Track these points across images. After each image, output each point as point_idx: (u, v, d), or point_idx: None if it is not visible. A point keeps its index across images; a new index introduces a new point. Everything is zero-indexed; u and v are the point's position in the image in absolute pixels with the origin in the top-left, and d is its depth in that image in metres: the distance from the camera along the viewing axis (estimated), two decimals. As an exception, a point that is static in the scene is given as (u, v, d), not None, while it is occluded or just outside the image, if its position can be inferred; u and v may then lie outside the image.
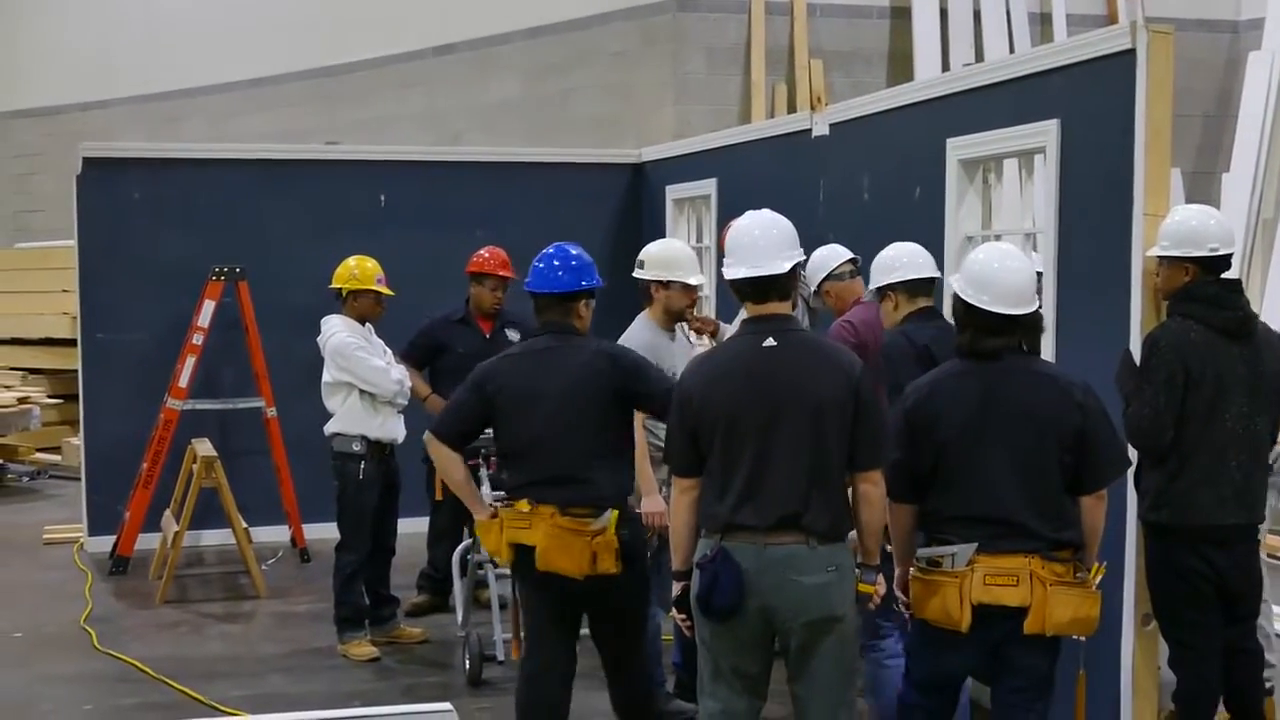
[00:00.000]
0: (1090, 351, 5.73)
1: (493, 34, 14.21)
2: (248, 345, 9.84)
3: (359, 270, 7.51)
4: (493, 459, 7.10)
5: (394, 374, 7.49)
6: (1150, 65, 5.42)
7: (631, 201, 11.05)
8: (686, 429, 4.64)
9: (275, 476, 9.84)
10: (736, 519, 4.50)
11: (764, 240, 4.62)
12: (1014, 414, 4.61)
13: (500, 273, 8.24)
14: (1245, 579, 5.41)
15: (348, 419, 7.40)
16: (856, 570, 4.59)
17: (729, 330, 6.57)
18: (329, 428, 7.46)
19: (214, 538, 9.84)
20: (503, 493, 6.76)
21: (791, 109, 12.22)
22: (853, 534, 4.64)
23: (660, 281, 6.33)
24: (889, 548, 4.88)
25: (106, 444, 10.03)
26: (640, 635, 5.53)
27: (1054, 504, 4.60)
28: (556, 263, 5.40)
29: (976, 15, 12.79)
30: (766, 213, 4.76)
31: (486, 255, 8.29)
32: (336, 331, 7.43)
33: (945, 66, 12.34)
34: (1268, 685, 5.79)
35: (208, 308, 9.64)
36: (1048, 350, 5.80)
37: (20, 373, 14.15)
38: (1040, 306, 4.80)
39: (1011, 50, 12.45)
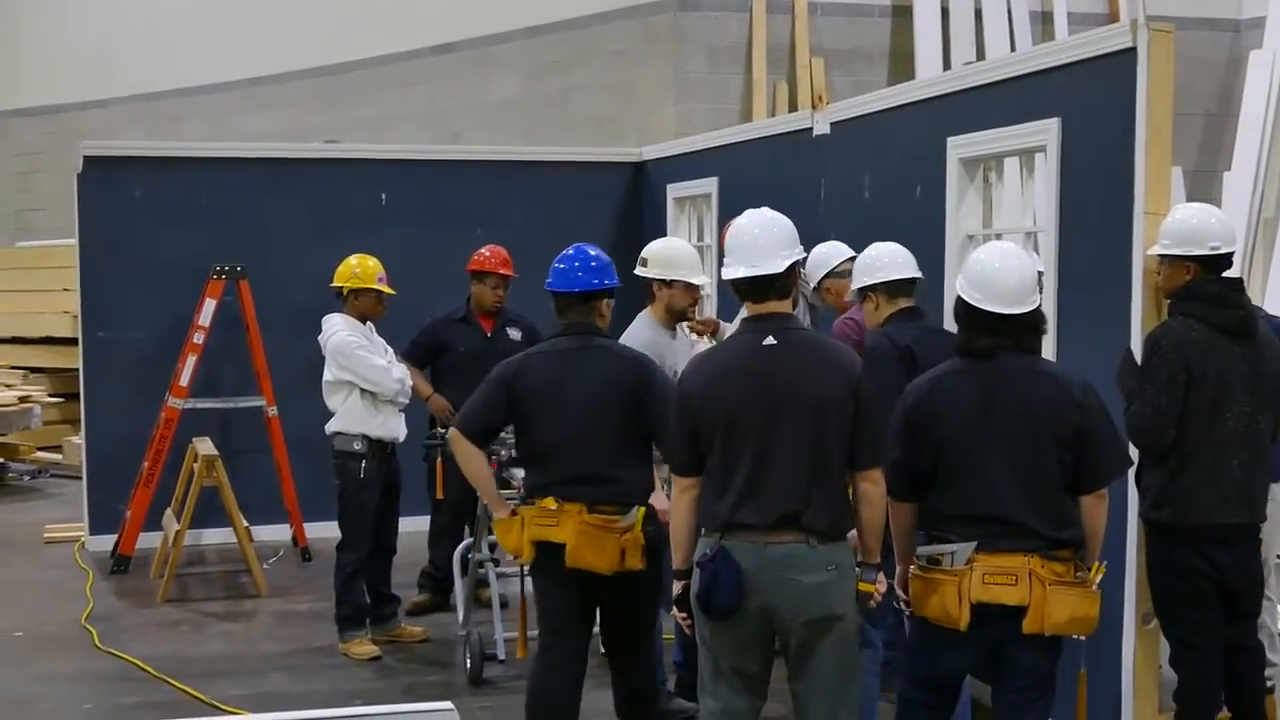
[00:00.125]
0: (1091, 350, 5.73)
1: (493, 33, 14.21)
2: (249, 344, 9.84)
3: (360, 269, 7.51)
4: (494, 460, 7.09)
5: (395, 373, 7.49)
6: (1151, 64, 5.42)
7: (632, 200, 11.05)
8: (687, 428, 4.64)
9: (276, 475, 9.84)
10: (736, 518, 4.50)
11: (763, 239, 4.62)
12: (1013, 413, 4.61)
13: (501, 271, 8.24)
14: (1246, 578, 5.40)
15: (349, 418, 7.40)
16: (857, 569, 4.60)
17: (729, 329, 6.57)
18: (330, 426, 7.46)
19: (215, 536, 9.84)
20: (512, 492, 6.81)
21: (793, 108, 12.21)
22: (853, 533, 4.64)
23: (663, 280, 6.33)
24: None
25: (107, 443, 10.03)
26: (652, 632, 5.55)
27: (1053, 503, 4.60)
28: (577, 263, 5.46)
29: (978, 14, 12.78)
30: (765, 211, 4.76)
31: (487, 254, 8.29)
32: (337, 330, 7.43)
33: (946, 65, 12.33)
34: (1269, 684, 5.80)
35: (209, 306, 9.64)
36: (1049, 349, 5.79)
37: (21, 371, 14.14)
38: (1040, 306, 4.80)
39: (1013, 49, 12.44)
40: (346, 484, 7.41)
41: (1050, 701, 4.73)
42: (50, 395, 13.83)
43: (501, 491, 6.94)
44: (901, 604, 4.90)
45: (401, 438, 7.56)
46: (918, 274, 5.87)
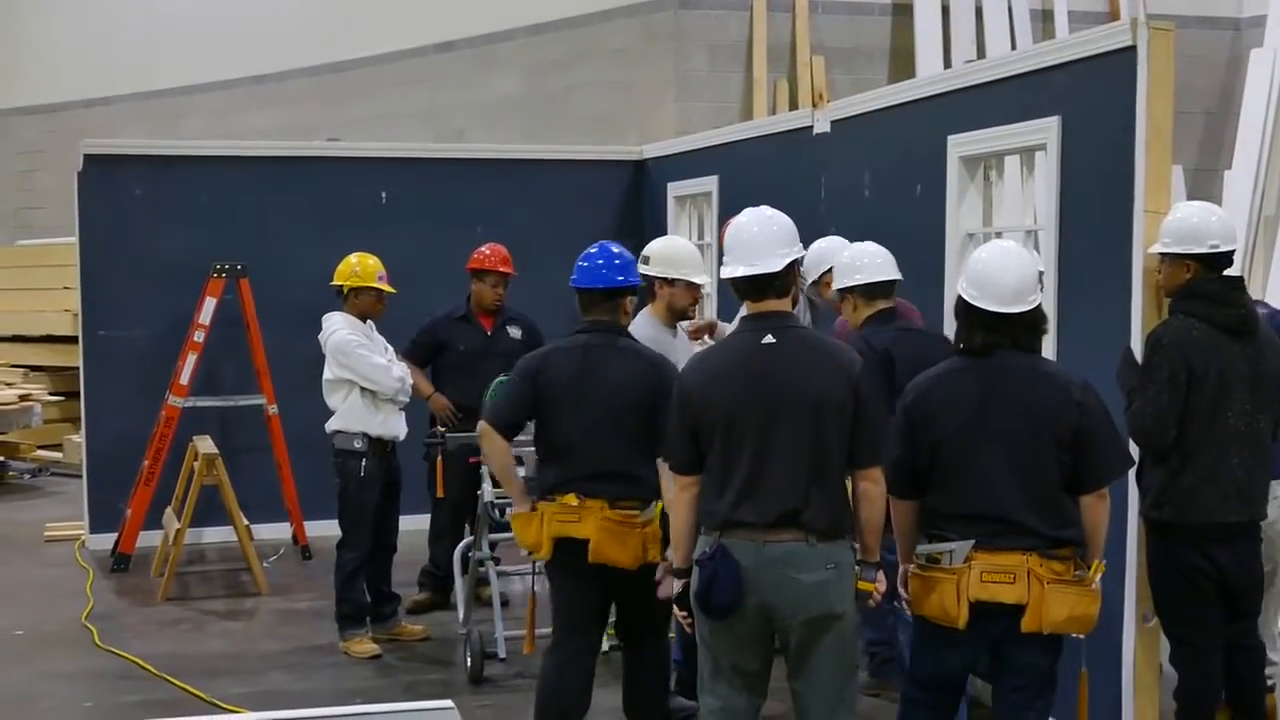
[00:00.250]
0: (1091, 348, 5.73)
1: (494, 31, 14.21)
2: (249, 342, 9.84)
3: (360, 267, 7.51)
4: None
5: (395, 371, 7.49)
6: (1151, 62, 5.42)
7: (633, 198, 11.05)
8: (686, 426, 4.64)
9: (276, 474, 9.83)
10: (736, 516, 4.51)
11: (761, 237, 4.63)
12: (1010, 412, 4.61)
13: (501, 269, 8.24)
14: (1247, 576, 5.41)
15: (349, 416, 7.40)
16: (856, 567, 4.59)
17: (728, 329, 6.57)
18: (330, 425, 7.46)
19: (215, 535, 9.84)
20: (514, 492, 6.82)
21: (793, 106, 12.21)
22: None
23: (664, 279, 6.33)
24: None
25: (108, 441, 10.03)
26: (666, 628, 5.57)
27: (1052, 502, 4.60)
28: (601, 260, 5.51)
29: (978, 12, 12.77)
30: (764, 209, 4.76)
31: (487, 252, 8.29)
32: (338, 329, 7.43)
33: (947, 63, 12.32)
34: (1269, 683, 5.79)
35: (209, 305, 9.64)
36: (1049, 347, 5.79)
37: (22, 370, 14.14)
38: (1041, 305, 4.80)
39: (1014, 47, 12.44)
40: (347, 482, 7.41)
41: (1051, 700, 4.73)
42: (51, 393, 13.83)
43: (496, 489, 6.99)
44: (903, 603, 4.91)
45: (402, 436, 7.56)
46: (896, 276, 5.87)
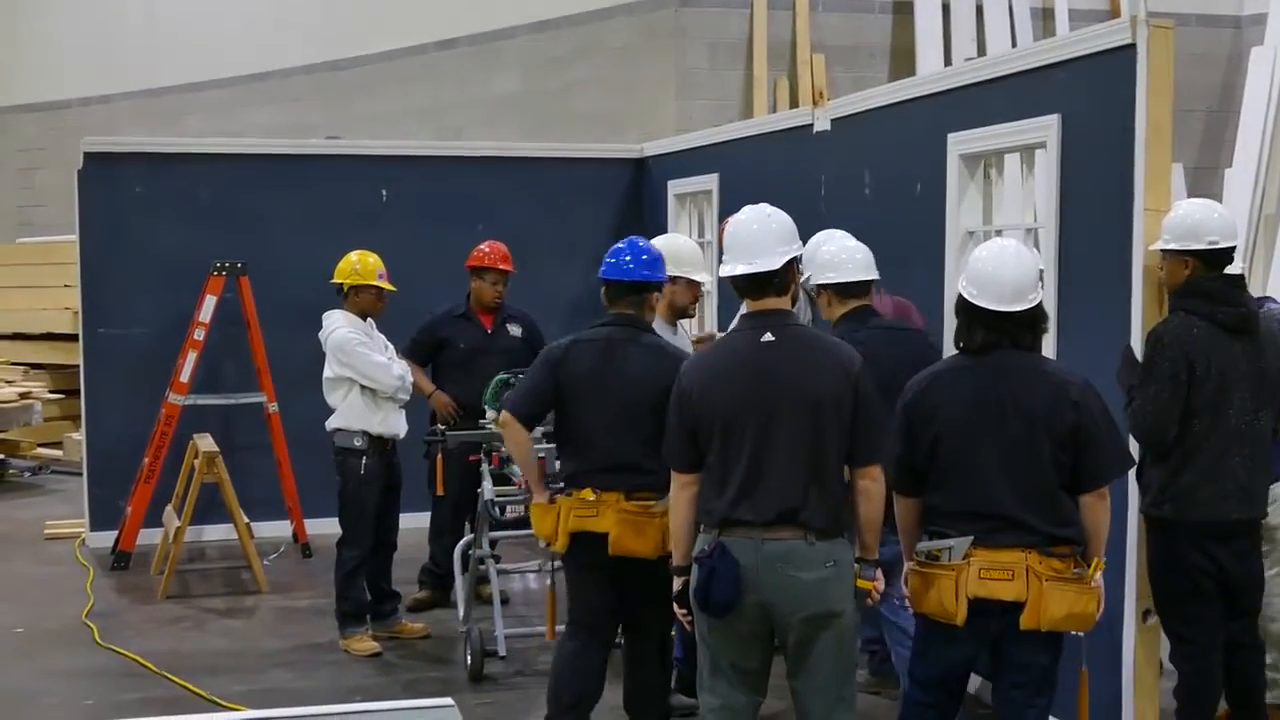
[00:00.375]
0: (1091, 346, 5.74)
1: (495, 29, 14.20)
2: (249, 340, 9.84)
3: (361, 265, 7.51)
4: (495, 455, 7.11)
5: (395, 369, 7.49)
6: (1151, 60, 5.42)
7: (633, 196, 11.04)
8: (685, 425, 4.65)
9: (277, 472, 9.84)
10: (735, 514, 4.51)
11: (760, 235, 4.63)
12: (1007, 410, 4.62)
13: (501, 266, 8.24)
14: (1247, 574, 5.41)
15: (349, 414, 7.40)
16: (856, 565, 4.60)
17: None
18: (330, 423, 7.47)
19: (216, 533, 9.84)
20: (513, 489, 6.84)
21: (793, 104, 12.20)
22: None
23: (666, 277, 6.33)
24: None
25: (108, 439, 10.03)
26: (671, 624, 5.58)
27: (1050, 500, 4.60)
28: (628, 255, 5.55)
29: (979, 10, 12.77)
30: (763, 207, 4.77)
31: (487, 250, 8.29)
32: (338, 327, 7.43)
33: (948, 62, 12.31)
34: (1270, 681, 5.80)
35: (209, 303, 9.64)
36: (1049, 345, 5.79)
37: (22, 368, 14.13)
38: (1041, 303, 4.79)
39: (1014, 45, 12.43)
40: (347, 480, 7.41)
41: (1051, 698, 4.73)
42: (51, 391, 13.83)
43: (502, 489, 7.00)
44: (904, 600, 4.91)
45: (402, 434, 7.56)
46: (872, 276, 5.84)
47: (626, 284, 5.51)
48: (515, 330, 8.29)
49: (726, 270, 4.66)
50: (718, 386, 4.59)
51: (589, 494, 5.40)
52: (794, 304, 4.87)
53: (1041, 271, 5.09)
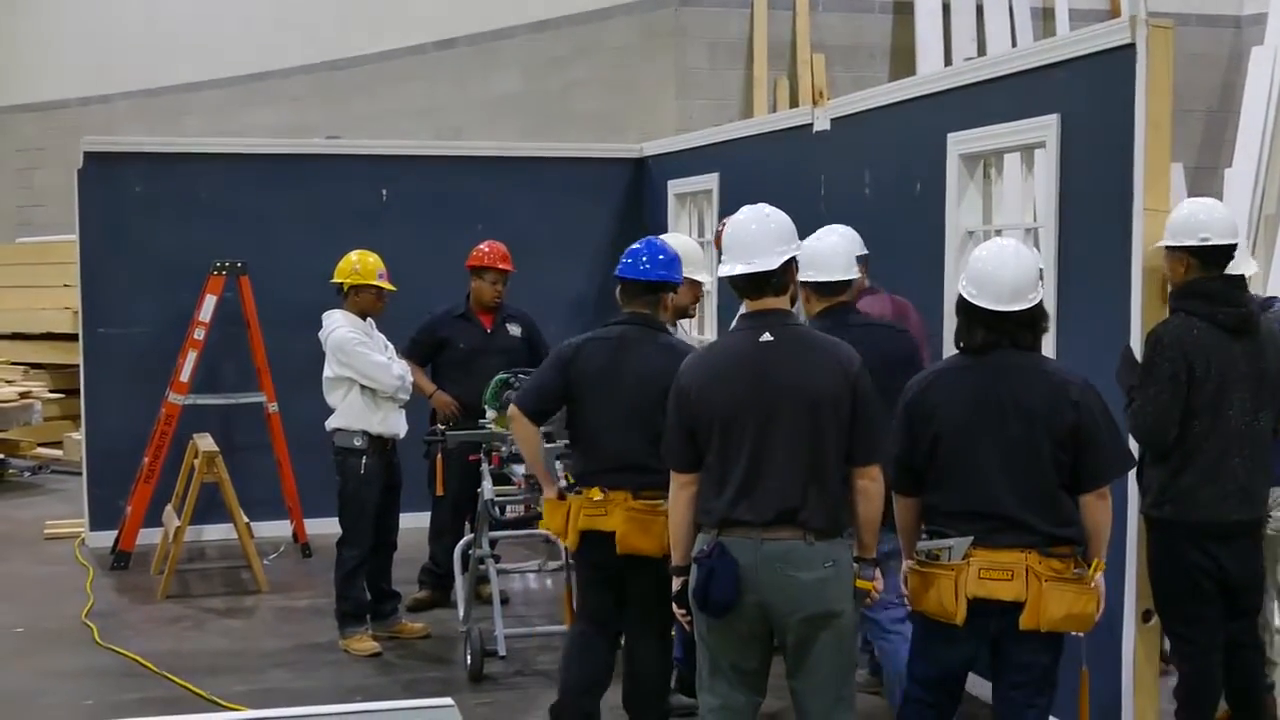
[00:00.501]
0: (1090, 346, 5.74)
1: (495, 28, 14.20)
2: (249, 340, 9.84)
3: (360, 265, 7.51)
4: (495, 455, 7.11)
5: (395, 369, 7.49)
6: (1150, 60, 5.42)
7: (633, 196, 11.04)
8: (684, 425, 4.65)
9: (277, 471, 9.84)
10: (734, 514, 4.51)
11: (759, 235, 4.63)
12: (1007, 410, 4.61)
13: (500, 266, 8.24)
14: (1247, 574, 5.41)
15: (349, 414, 7.40)
16: (855, 565, 4.59)
17: None
18: (330, 423, 7.47)
19: (215, 533, 9.84)
20: (513, 489, 6.85)
21: (793, 104, 12.20)
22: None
23: None
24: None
25: (108, 439, 10.03)
26: (671, 624, 5.60)
27: (1050, 500, 4.60)
28: (645, 255, 5.60)
29: (979, 10, 12.77)
30: (762, 207, 4.77)
31: (486, 249, 8.29)
32: (338, 326, 7.43)
33: (948, 61, 12.31)
34: (1269, 682, 5.79)
35: (209, 302, 9.64)
36: (1049, 345, 5.79)
37: (22, 367, 14.13)
38: (1042, 303, 4.79)
39: (1014, 45, 12.43)
40: (347, 480, 7.42)
41: (1051, 698, 4.73)
42: (51, 391, 13.83)
43: (502, 488, 7.00)
44: (904, 599, 4.91)
45: (402, 434, 7.56)
46: (849, 276, 5.81)
47: (642, 283, 5.55)
48: (515, 330, 8.29)
49: (725, 270, 4.66)
50: (716, 386, 4.59)
51: (596, 493, 5.46)
52: (793, 303, 4.86)
53: (1041, 271, 5.09)
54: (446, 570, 8.00)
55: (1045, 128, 6.13)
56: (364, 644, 7.45)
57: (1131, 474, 5.30)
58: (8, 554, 10.08)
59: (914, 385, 4.83)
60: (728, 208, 8.03)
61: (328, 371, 7.46)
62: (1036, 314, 4.73)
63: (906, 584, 4.82)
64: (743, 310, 4.73)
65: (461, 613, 7.42)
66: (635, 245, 5.66)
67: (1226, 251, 5.33)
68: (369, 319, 7.57)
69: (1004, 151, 6.85)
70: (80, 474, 10.47)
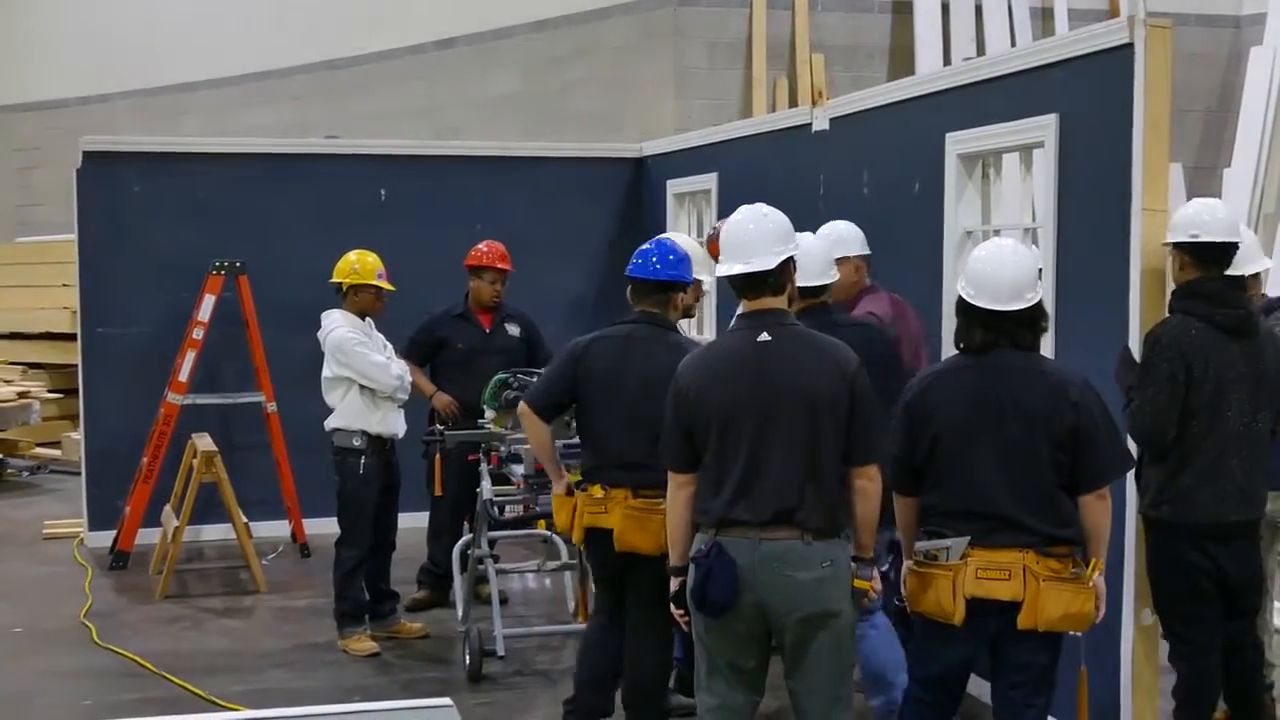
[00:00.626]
0: (1089, 346, 5.73)
1: (493, 28, 14.20)
2: (248, 340, 9.84)
3: (360, 265, 7.51)
4: (494, 455, 7.11)
5: (394, 369, 7.49)
6: (1149, 60, 5.42)
7: (632, 195, 11.04)
8: (682, 425, 4.65)
9: (275, 471, 9.84)
10: (731, 514, 4.51)
11: (757, 234, 4.64)
12: (1005, 411, 4.62)
13: (499, 266, 8.24)
14: (1246, 574, 5.41)
15: (348, 414, 7.40)
16: (853, 565, 4.59)
17: None
18: (329, 423, 7.46)
19: (214, 533, 9.84)
20: (512, 489, 6.86)
21: (792, 103, 12.20)
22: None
23: None
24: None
25: (106, 439, 10.03)
26: (671, 623, 5.62)
27: (1048, 501, 4.60)
28: (655, 255, 5.63)
29: (978, 10, 12.77)
30: (760, 207, 4.77)
31: (485, 249, 8.29)
32: (337, 326, 7.43)
33: (947, 61, 12.30)
34: (1268, 682, 5.79)
35: (208, 302, 9.64)
36: (1047, 344, 5.79)
37: (20, 367, 14.13)
38: (1041, 302, 4.79)
39: (1013, 45, 12.42)
40: (346, 480, 7.41)
41: (1050, 698, 4.73)
42: (49, 391, 13.82)
43: (501, 488, 6.99)
44: (903, 598, 4.91)
45: (401, 434, 7.56)
46: (826, 280, 5.78)
47: (652, 283, 5.58)
48: (513, 330, 8.29)
49: (723, 270, 4.67)
50: (714, 386, 4.59)
51: (598, 491, 5.52)
52: (791, 303, 4.86)
53: (1040, 270, 5.09)
54: (445, 570, 8.01)
55: (1044, 128, 6.13)
56: (363, 644, 7.44)
57: (1130, 474, 5.29)
58: (6, 554, 10.08)
59: (914, 386, 4.84)
60: (727, 208, 8.03)
61: (326, 371, 7.46)
62: (1035, 313, 4.73)
63: (905, 584, 4.82)
64: (740, 310, 4.73)
65: (460, 613, 7.42)
66: (645, 245, 5.70)
67: (1225, 251, 5.32)
68: (368, 319, 7.57)
69: (1003, 151, 6.85)
70: (79, 474, 10.46)
